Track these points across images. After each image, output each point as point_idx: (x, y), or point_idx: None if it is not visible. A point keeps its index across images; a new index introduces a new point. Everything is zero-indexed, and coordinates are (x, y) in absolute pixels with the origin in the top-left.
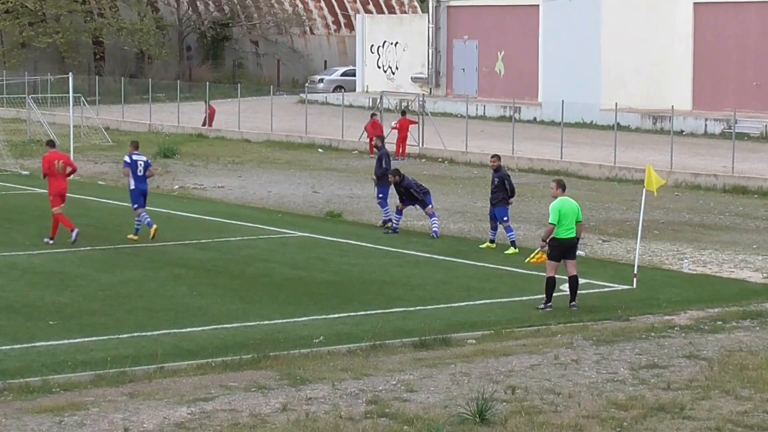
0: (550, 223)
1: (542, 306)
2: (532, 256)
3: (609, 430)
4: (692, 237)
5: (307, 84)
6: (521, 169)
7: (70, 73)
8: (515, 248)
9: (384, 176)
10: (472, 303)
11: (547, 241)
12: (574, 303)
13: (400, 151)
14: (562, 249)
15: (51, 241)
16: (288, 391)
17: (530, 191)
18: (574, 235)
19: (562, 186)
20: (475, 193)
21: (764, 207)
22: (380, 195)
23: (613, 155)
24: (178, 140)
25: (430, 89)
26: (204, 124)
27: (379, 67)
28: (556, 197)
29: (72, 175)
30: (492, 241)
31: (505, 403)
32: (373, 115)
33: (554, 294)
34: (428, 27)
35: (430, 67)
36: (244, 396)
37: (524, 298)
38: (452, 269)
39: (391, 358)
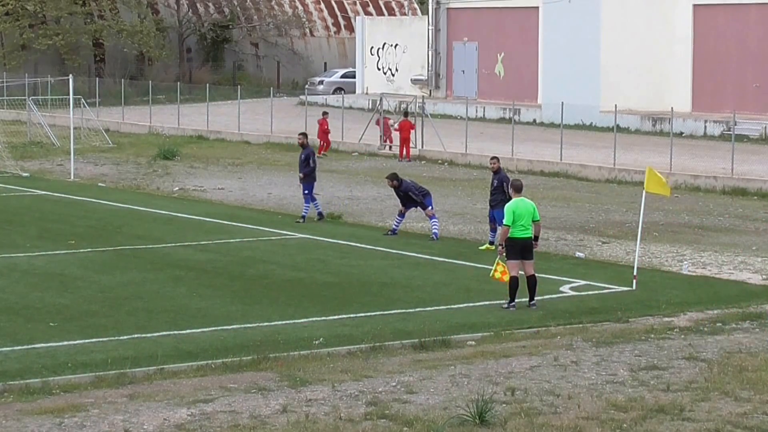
0: (504, 225)
1: (506, 305)
2: (494, 269)
3: None
4: (692, 239)
5: (306, 86)
6: (521, 170)
7: (71, 75)
8: None
9: (310, 174)
10: (471, 305)
11: (503, 243)
12: (533, 303)
13: (404, 152)
14: (519, 248)
15: None
16: (288, 393)
17: (529, 193)
18: (530, 234)
19: (515, 187)
20: (475, 195)
21: (764, 209)
22: (306, 191)
23: (612, 157)
24: (178, 142)
25: (430, 91)
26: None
27: (378, 69)
28: (511, 198)
29: None
30: (491, 243)
31: (504, 405)
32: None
33: (555, 295)
34: (428, 29)
35: (429, 69)
36: (244, 397)
37: (524, 299)
38: (452, 271)
39: (391, 360)
